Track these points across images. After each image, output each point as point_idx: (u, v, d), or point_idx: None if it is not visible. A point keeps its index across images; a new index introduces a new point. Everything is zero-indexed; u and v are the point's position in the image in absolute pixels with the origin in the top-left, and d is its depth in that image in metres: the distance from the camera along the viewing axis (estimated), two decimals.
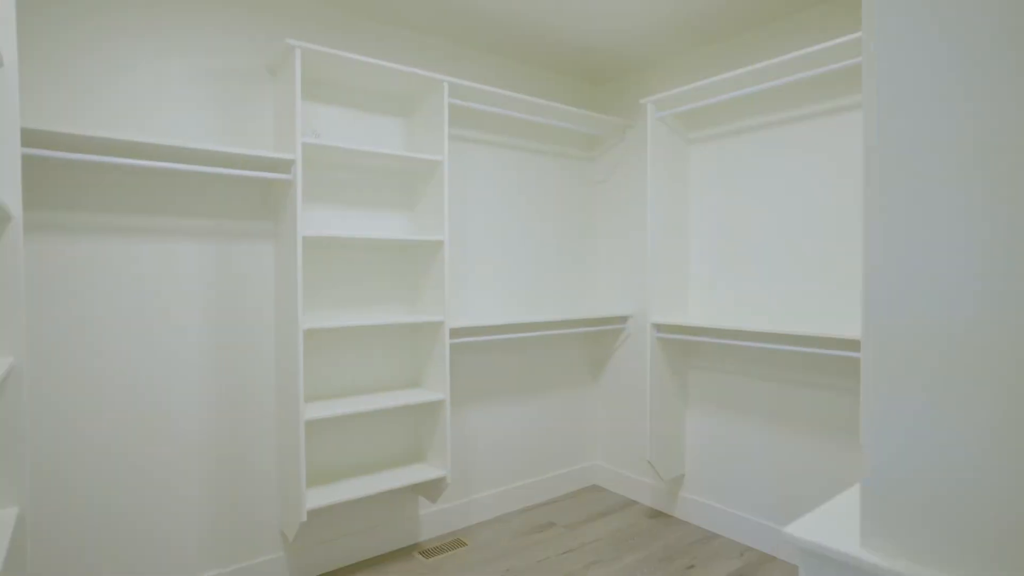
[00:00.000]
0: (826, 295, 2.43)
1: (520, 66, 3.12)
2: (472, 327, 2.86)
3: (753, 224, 2.69)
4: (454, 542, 2.73)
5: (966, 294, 0.74)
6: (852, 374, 2.35)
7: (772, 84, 2.37)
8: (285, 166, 2.16)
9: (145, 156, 1.98)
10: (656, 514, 3.06)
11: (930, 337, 0.77)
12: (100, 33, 1.99)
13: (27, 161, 1.85)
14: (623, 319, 3.29)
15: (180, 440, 2.16)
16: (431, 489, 2.57)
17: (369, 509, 2.61)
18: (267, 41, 2.32)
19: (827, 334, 2.18)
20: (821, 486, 2.45)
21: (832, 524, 0.90)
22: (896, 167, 0.82)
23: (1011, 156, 0.71)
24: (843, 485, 2.38)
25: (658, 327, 2.83)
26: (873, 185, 0.84)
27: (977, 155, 0.74)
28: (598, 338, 3.47)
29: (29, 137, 1.71)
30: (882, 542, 0.80)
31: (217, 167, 2.08)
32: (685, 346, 2.98)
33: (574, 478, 3.39)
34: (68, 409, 1.96)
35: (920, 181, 0.79)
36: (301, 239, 2.10)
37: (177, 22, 2.13)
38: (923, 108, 0.79)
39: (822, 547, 0.83)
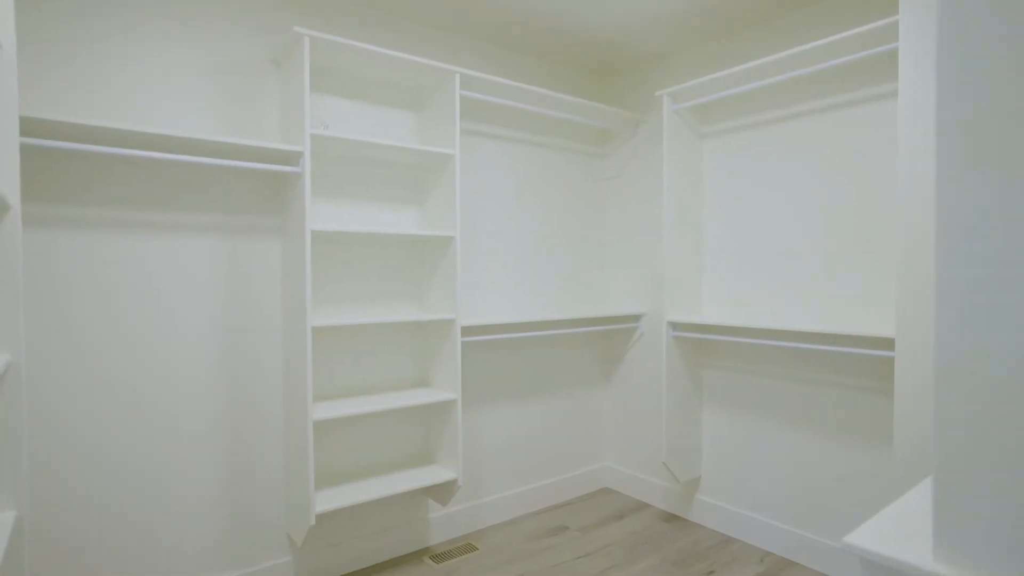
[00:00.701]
0: (842, 293, 2.36)
1: (529, 60, 3.05)
2: (483, 325, 2.79)
3: (766, 220, 2.62)
4: (465, 546, 2.66)
5: None
6: (875, 373, 2.28)
7: (794, 74, 2.30)
8: (293, 158, 2.10)
9: (149, 148, 1.91)
10: (671, 517, 2.98)
11: (1014, 335, 0.70)
12: (102, 24, 1.93)
13: (27, 151, 1.79)
14: (636, 317, 3.22)
15: (184, 441, 2.09)
16: (442, 492, 2.50)
17: (377, 512, 2.54)
18: (270, 33, 2.26)
19: (850, 332, 2.11)
20: (843, 489, 2.38)
21: (895, 534, 0.83)
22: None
23: None
24: (867, 487, 2.30)
25: (674, 325, 2.76)
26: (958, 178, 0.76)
27: None
28: (610, 337, 3.40)
29: (28, 126, 1.65)
30: (959, 556, 0.73)
31: (224, 159, 2.01)
32: (700, 345, 2.91)
33: (585, 480, 3.31)
34: (69, 409, 1.89)
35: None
36: (310, 233, 2.03)
37: (179, 13, 2.07)
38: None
39: (891, 560, 0.76)
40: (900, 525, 0.86)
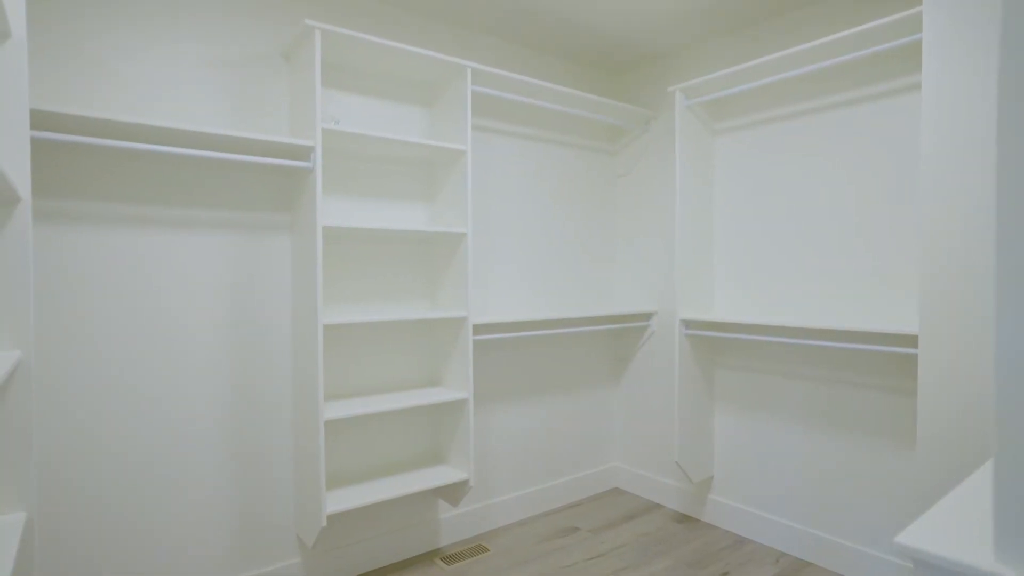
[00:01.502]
0: (854, 290, 2.32)
1: (540, 55, 3.02)
2: (494, 323, 2.76)
3: (777, 217, 2.59)
4: (476, 547, 2.63)
5: None
6: (892, 371, 2.24)
7: (810, 68, 2.26)
8: (304, 153, 2.06)
9: (158, 142, 1.88)
10: (683, 518, 2.95)
11: None
12: (108, 16, 1.90)
13: (34, 145, 1.76)
14: (647, 316, 3.18)
15: (192, 440, 2.06)
16: (453, 492, 2.46)
17: (388, 513, 2.50)
18: (279, 27, 2.23)
19: (871, 329, 2.07)
20: (860, 488, 2.34)
21: (948, 534, 0.80)
22: None
23: None
24: (884, 486, 2.27)
25: (687, 323, 2.72)
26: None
27: None
28: (620, 335, 3.36)
29: (36, 118, 1.61)
30: (1023, 556, 0.70)
31: (234, 154, 1.98)
32: (712, 343, 2.87)
33: (595, 481, 3.28)
34: (75, 408, 1.86)
35: None
36: (321, 230, 2.00)
37: (186, 6, 2.04)
38: None
39: (950, 561, 0.73)
40: (951, 524, 0.83)
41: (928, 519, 0.85)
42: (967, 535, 0.79)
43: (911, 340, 2.15)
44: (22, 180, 1.24)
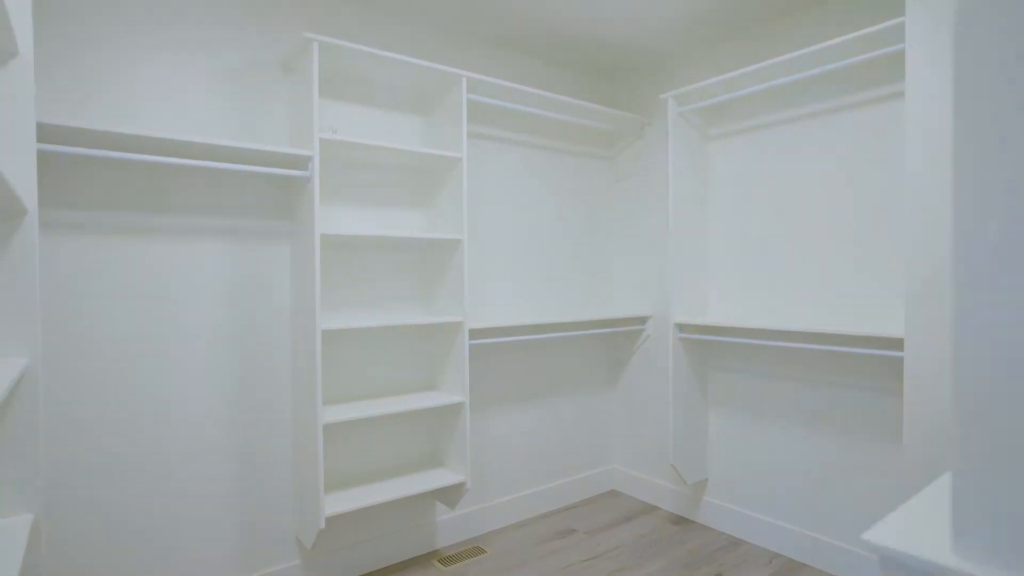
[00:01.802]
0: (847, 294, 2.36)
1: (535, 62, 3.07)
2: (490, 328, 2.80)
3: (771, 222, 2.63)
4: (473, 549, 2.66)
5: None
6: (882, 373, 2.28)
7: (800, 76, 2.30)
8: (302, 162, 2.11)
9: (159, 152, 1.93)
10: (678, 520, 2.98)
11: None
12: (109, 27, 1.95)
13: (39, 157, 1.80)
14: (642, 319, 3.22)
15: (193, 444, 2.10)
16: (450, 495, 2.50)
17: (385, 516, 2.54)
18: (278, 38, 2.27)
19: (858, 332, 2.11)
20: (852, 489, 2.37)
21: (913, 530, 0.83)
22: None
23: None
24: (875, 487, 2.30)
25: (681, 327, 2.76)
26: None
27: None
28: (616, 339, 3.40)
29: (42, 132, 1.66)
30: (978, 548, 0.73)
31: (233, 163, 2.02)
32: (706, 347, 2.91)
33: (592, 483, 3.31)
34: (79, 413, 1.90)
35: None
36: (319, 237, 2.05)
37: (186, 18, 2.09)
38: None
39: (909, 556, 0.76)
40: (918, 521, 0.86)
41: (896, 517, 0.89)
42: (931, 532, 0.82)
43: (897, 343, 2.18)
44: (29, 193, 1.28)
